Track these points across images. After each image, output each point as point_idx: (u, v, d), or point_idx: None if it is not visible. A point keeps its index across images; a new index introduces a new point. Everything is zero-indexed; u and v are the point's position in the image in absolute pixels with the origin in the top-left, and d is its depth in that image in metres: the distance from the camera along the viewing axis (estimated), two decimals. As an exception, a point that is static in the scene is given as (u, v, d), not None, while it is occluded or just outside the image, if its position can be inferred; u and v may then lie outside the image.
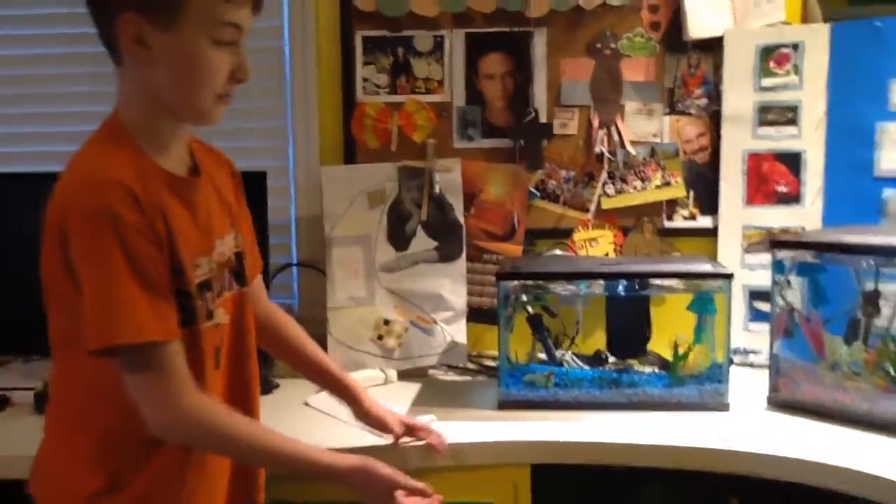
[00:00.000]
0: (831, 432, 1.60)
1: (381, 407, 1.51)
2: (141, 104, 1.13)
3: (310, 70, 2.16)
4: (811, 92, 2.01)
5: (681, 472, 1.56)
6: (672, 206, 2.12)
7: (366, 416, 1.48)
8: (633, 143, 2.11)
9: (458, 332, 2.03)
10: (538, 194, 2.14)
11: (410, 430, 1.52)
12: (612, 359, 1.91)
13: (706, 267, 1.80)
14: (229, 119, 2.16)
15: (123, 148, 1.11)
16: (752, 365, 2.01)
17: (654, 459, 1.57)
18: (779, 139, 2.04)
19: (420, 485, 1.27)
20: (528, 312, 1.91)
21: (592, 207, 2.13)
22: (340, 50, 2.16)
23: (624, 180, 2.12)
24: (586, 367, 1.86)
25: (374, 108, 2.15)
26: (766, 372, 1.79)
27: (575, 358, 1.88)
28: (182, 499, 1.17)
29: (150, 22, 1.07)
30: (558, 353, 1.88)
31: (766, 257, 1.96)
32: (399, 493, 1.23)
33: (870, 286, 1.73)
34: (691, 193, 2.11)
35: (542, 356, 1.88)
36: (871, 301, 1.75)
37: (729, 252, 2.07)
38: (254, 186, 1.99)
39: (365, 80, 2.16)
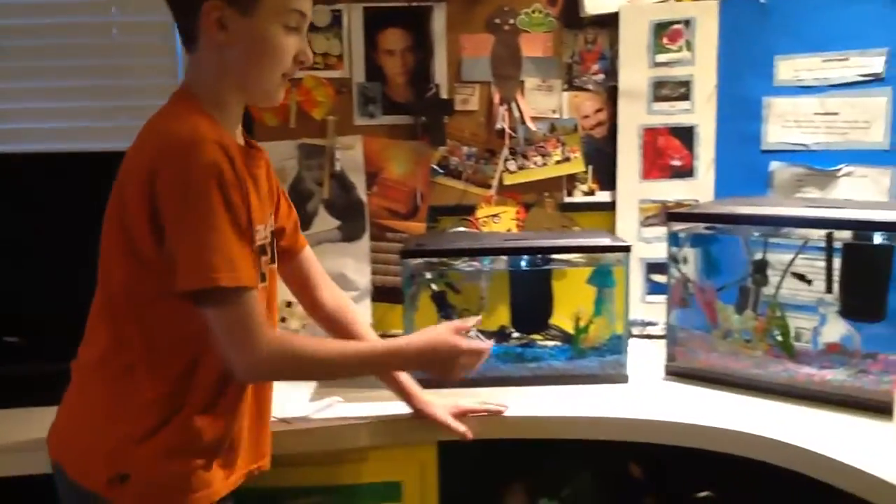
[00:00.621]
0: (725, 398, 1.66)
1: (430, 403, 1.55)
2: (214, 83, 1.22)
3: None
4: (702, 67, 2.06)
5: (583, 443, 1.60)
6: (572, 181, 2.15)
7: (419, 410, 1.54)
8: (534, 118, 2.12)
9: (363, 311, 2.01)
10: (441, 171, 2.13)
11: (463, 415, 1.55)
12: (515, 334, 1.93)
13: (605, 240, 1.84)
14: (116, 98, 2.12)
15: (204, 116, 1.18)
16: (650, 336, 2.07)
17: (558, 431, 1.60)
18: (673, 114, 2.09)
19: (476, 344, 1.43)
20: (432, 290, 1.91)
21: (495, 184, 2.14)
22: (234, 24, 2.08)
23: (525, 156, 2.14)
24: (498, 344, 1.87)
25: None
26: (664, 342, 1.84)
27: (479, 334, 1.89)
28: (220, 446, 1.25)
29: (232, 6, 1.17)
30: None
31: (662, 230, 2.02)
32: (459, 360, 1.39)
33: (758, 256, 1.80)
34: (590, 168, 2.14)
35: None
36: (760, 270, 1.82)
37: (627, 226, 2.11)
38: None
39: (260, 55, 2.09)
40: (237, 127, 1.29)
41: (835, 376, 1.64)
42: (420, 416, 1.54)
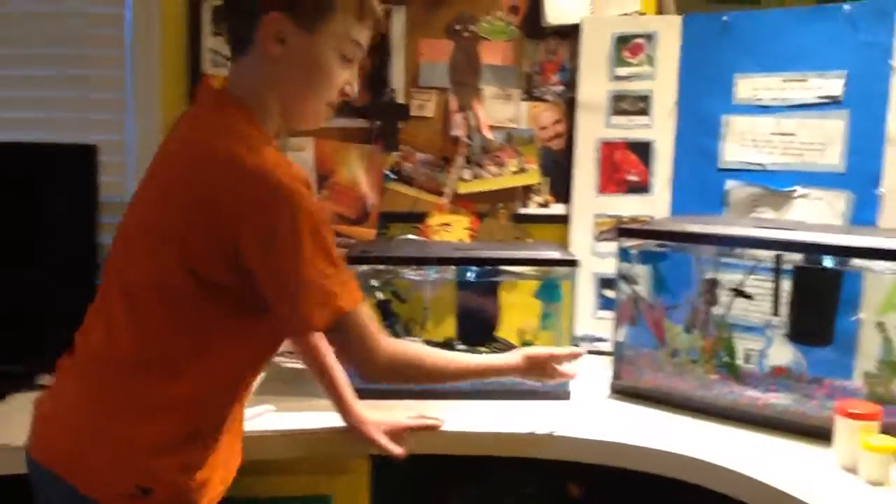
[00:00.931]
0: (668, 419, 1.63)
1: (363, 421, 1.50)
2: (263, 94, 1.18)
3: (153, 38, 2.03)
4: (663, 82, 2.04)
5: (520, 460, 1.55)
6: (527, 192, 2.11)
7: (352, 427, 1.50)
8: (491, 127, 2.09)
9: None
10: (393, 177, 2.09)
11: (397, 432, 1.51)
12: (461, 346, 1.88)
13: (553, 254, 1.80)
14: (61, 88, 2.06)
15: (266, 140, 1.15)
16: (599, 352, 2.03)
17: (494, 448, 1.55)
18: (631, 128, 2.06)
19: (567, 350, 1.53)
20: (377, 298, 1.86)
21: (448, 192, 2.09)
22: (187, 18, 2.03)
23: (480, 165, 2.10)
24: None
25: (220, 80, 2.03)
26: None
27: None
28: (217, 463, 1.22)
29: (296, 22, 1.14)
30: (408, 340, 1.84)
31: (616, 245, 1.98)
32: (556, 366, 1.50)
33: (709, 275, 1.77)
34: (546, 180, 2.10)
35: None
36: (710, 290, 1.79)
37: (581, 240, 2.08)
38: (81, 162, 1.88)
39: (213, 51, 2.04)
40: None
41: (779, 400, 1.60)
42: (352, 432, 1.49)
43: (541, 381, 1.52)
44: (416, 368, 1.32)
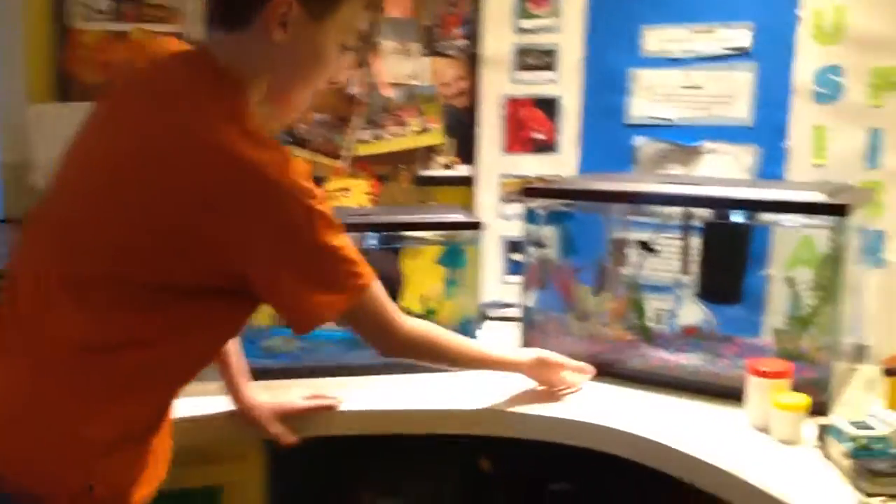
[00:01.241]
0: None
1: (254, 406, 1.40)
2: (254, 78, 1.08)
3: (11, -12, 1.83)
4: (569, 35, 1.95)
5: (429, 438, 1.47)
6: (430, 153, 2.01)
7: (242, 411, 1.40)
8: (390, 84, 1.97)
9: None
10: (287, 139, 1.95)
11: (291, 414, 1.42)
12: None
13: (458, 217, 1.70)
14: None
15: (249, 108, 1.06)
16: (508, 319, 1.95)
17: (398, 426, 1.46)
18: (537, 84, 1.97)
19: (577, 364, 1.50)
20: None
21: (346, 154, 1.97)
22: (50, -34, 1.84)
23: (380, 125, 1.98)
24: (334, 328, 1.71)
25: (92, 37, 1.85)
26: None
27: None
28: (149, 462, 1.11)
29: (305, 9, 1.05)
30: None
31: (522, 207, 1.91)
32: (565, 373, 1.49)
33: (617, 235, 1.71)
34: (450, 140, 2.00)
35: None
36: (619, 249, 1.73)
37: (487, 202, 1.99)
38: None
39: (82, 4, 1.85)
40: None
41: (689, 361, 1.56)
42: (242, 417, 1.38)
43: (544, 384, 1.49)
44: (434, 349, 1.30)
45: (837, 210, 1.37)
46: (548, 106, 1.97)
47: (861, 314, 1.57)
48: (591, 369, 1.52)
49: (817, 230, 1.52)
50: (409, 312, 1.73)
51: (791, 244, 1.69)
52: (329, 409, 1.44)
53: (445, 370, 1.40)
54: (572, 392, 1.50)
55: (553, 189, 1.71)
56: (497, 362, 1.45)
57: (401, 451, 1.54)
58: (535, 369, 1.46)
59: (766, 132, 1.77)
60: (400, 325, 1.20)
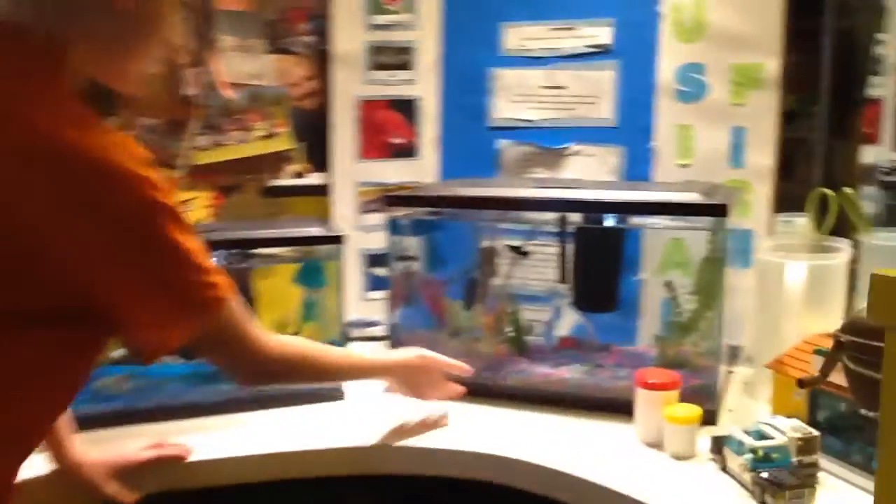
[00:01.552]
0: (455, 409, 1.43)
1: (83, 463, 1.18)
2: (70, 45, 0.87)
3: None
4: (425, 32, 1.83)
5: (289, 481, 1.30)
6: (279, 160, 1.83)
7: (70, 470, 1.18)
8: (231, 85, 1.77)
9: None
10: (111, 147, 1.71)
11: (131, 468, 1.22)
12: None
13: (314, 230, 1.53)
14: None
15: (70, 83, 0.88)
16: (373, 338, 1.80)
17: (256, 473, 1.28)
18: (392, 84, 1.83)
19: (460, 364, 1.36)
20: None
21: (182, 163, 1.76)
22: None
23: (221, 130, 1.78)
24: (177, 362, 1.49)
25: None
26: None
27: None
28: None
29: None
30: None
31: (383, 217, 1.77)
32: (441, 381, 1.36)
33: (486, 244, 1.60)
34: (300, 146, 1.83)
35: (118, 353, 1.48)
36: (488, 259, 1.63)
37: (344, 213, 1.83)
38: None
39: None
40: None
41: (570, 374, 1.47)
42: (70, 478, 1.16)
43: (415, 390, 1.34)
44: (306, 366, 1.13)
45: (717, 210, 1.32)
46: (405, 108, 1.84)
47: (734, 316, 1.54)
48: (470, 369, 1.39)
49: (694, 232, 1.48)
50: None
51: (661, 248, 1.64)
52: (176, 459, 1.23)
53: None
54: (442, 405, 1.38)
55: (417, 196, 1.58)
56: (382, 367, 1.31)
57: (270, 495, 1.35)
58: (415, 371, 1.33)
59: (631, 132, 1.72)
60: (265, 343, 1.03)
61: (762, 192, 1.60)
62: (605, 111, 1.74)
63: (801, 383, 0.99)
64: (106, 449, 1.21)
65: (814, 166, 1.69)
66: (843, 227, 1.45)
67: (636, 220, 1.53)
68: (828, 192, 1.45)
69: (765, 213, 1.60)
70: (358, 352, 1.36)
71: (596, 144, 1.75)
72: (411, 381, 1.33)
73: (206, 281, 0.92)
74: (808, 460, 1.13)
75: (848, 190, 1.47)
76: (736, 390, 1.49)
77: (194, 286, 0.91)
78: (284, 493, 1.35)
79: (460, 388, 1.38)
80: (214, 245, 1.44)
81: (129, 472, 1.19)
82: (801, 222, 1.65)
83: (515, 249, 1.61)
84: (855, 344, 0.87)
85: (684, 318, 1.43)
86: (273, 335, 1.08)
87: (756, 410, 1.38)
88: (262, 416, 1.40)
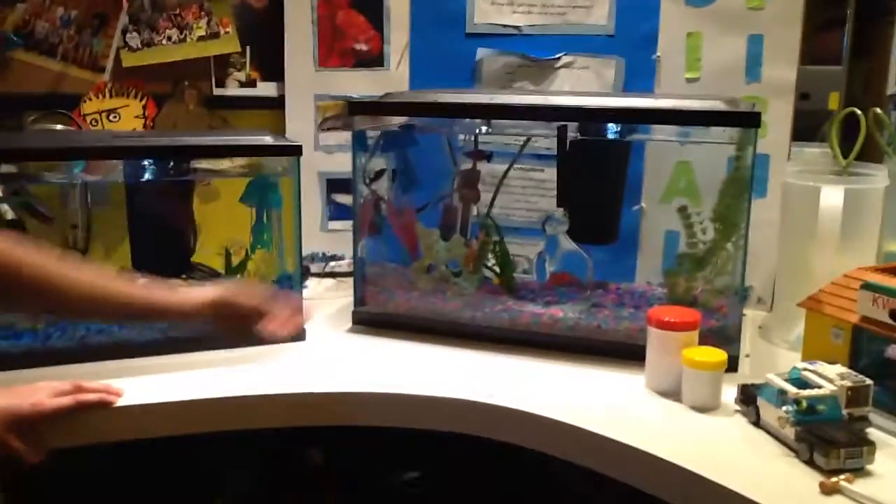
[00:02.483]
0: (431, 353, 1.24)
1: None
2: None
3: None
4: (393, -79, 1.58)
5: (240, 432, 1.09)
6: (224, 66, 1.57)
7: None
8: (165, -25, 1.51)
9: None
10: (19, 41, 1.44)
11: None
12: (141, 280, 1.33)
13: (265, 140, 1.28)
14: None
15: None
16: (335, 274, 1.59)
17: (201, 422, 1.07)
18: (355, -20, 1.59)
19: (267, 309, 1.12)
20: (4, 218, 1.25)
21: (109, 65, 1.49)
22: None
23: (153, 28, 1.51)
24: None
25: None
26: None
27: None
28: None
29: None
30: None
31: (347, 136, 1.55)
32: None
33: (467, 165, 1.39)
34: (248, 50, 1.58)
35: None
36: (469, 183, 1.42)
37: (300, 129, 1.59)
38: None
39: None
40: None
41: (565, 314, 1.27)
42: None
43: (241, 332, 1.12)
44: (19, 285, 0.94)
45: (747, 120, 1.12)
46: (371, 8, 1.60)
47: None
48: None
49: (704, 155, 1.29)
50: (206, 270, 1.35)
51: (664, 173, 1.45)
52: (100, 405, 1.01)
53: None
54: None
55: (387, 104, 1.34)
56: (157, 309, 1.07)
57: (212, 446, 1.14)
58: (210, 316, 1.10)
59: (632, 41, 1.50)
60: None
61: (781, 111, 1.41)
62: (601, 17, 1.52)
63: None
64: (8, 395, 0.98)
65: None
66: (862, 155, 1.27)
67: (644, 136, 1.33)
68: (857, 111, 1.26)
69: (783, 136, 1.41)
70: (141, 286, 1.10)
71: (591, 55, 1.53)
72: (224, 324, 1.12)
73: None
74: (859, 413, 0.96)
75: (878, 110, 1.29)
76: (748, 335, 1.31)
77: None
78: (227, 447, 1.14)
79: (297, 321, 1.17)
80: (147, 152, 1.20)
81: (35, 426, 0.96)
82: (814, 152, 1.47)
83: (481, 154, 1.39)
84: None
85: (699, 250, 1.23)
86: None
87: (778, 357, 1.21)
88: (203, 357, 1.18)
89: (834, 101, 1.54)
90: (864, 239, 1.20)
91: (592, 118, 1.23)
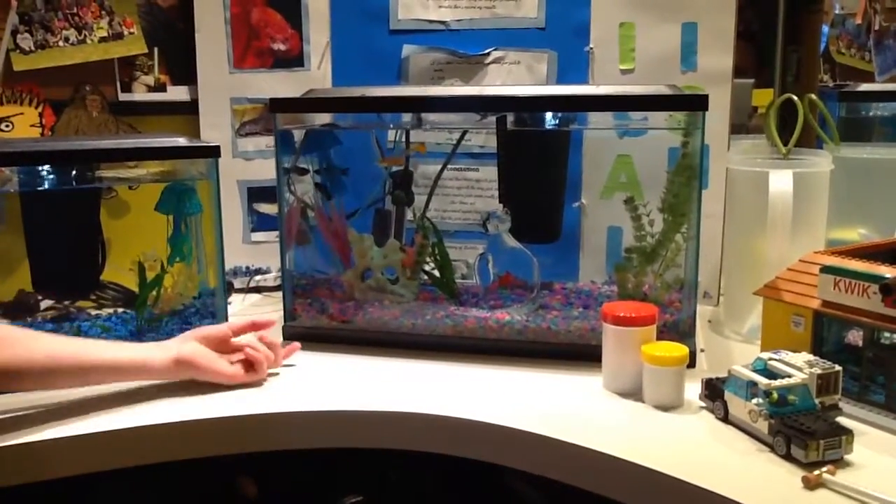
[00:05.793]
0: (369, 365, 1.15)
1: None
2: None
3: None
4: (309, -85, 1.49)
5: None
6: (129, 69, 1.45)
7: None
8: (60, -29, 1.38)
9: None
10: None
11: None
12: (46, 302, 1.20)
13: (179, 142, 1.17)
14: None
15: None
16: (260, 289, 1.47)
17: (123, 456, 0.94)
18: (270, -23, 1.49)
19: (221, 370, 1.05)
20: None
21: (-2, 69, 1.36)
22: None
23: (48, 28, 1.38)
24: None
25: None
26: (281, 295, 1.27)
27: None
28: None
29: None
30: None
31: (268, 141, 1.45)
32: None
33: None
34: (156, 51, 1.46)
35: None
36: (403, 184, 1.33)
37: (216, 136, 1.48)
38: None
39: None
40: None
41: (512, 317, 1.20)
42: None
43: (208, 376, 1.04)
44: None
45: (695, 102, 1.08)
46: (288, 7, 1.50)
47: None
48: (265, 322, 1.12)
49: (644, 147, 1.24)
50: (118, 288, 1.23)
51: (604, 168, 1.40)
52: None
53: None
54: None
55: (311, 100, 1.25)
56: (134, 366, 1.00)
57: (133, 479, 1.02)
58: (179, 371, 1.04)
59: (563, 34, 1.45)
60: None
61: (719, 100, 1.37)
62: (530, 9, 1.46)
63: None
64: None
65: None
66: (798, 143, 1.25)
67: (587, 126, 1.28)
68: (794, 98, 1.24)
69: (723, 125, 1.37)
70: (105, 346, 1.04)
71: (522, 49, 1.47)
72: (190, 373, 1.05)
73: None
74: (830, 401, 0.92)
75: (813, 96, 1.27)
76: (699, 330, 1.27)
77: None
78: (162, 473, 1.02)
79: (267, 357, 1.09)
80: (48, 157, 1.07)
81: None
82: (750, 143, 1.45)
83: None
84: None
85: (648, 243, 1.18)
86: None
87: (733, 350, 1.16)
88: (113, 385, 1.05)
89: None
90: (814, 224, 1.17)
91: (535, 107, 1.16)
